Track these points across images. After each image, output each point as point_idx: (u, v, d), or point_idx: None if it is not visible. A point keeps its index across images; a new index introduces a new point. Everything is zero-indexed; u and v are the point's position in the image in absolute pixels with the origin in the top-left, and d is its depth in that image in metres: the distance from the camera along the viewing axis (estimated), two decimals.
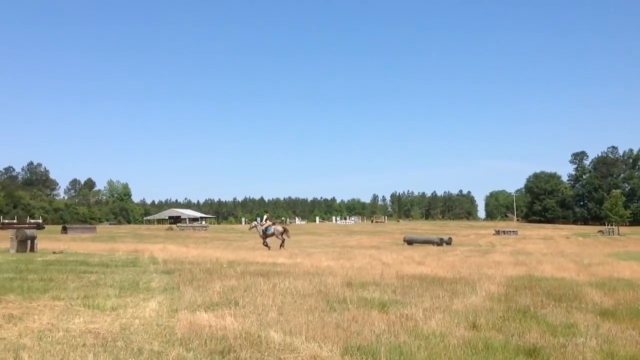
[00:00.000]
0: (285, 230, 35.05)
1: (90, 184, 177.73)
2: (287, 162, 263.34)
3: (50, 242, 37.11)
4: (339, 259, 21.81)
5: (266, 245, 33.30)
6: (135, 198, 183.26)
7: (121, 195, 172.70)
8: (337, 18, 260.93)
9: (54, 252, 22.67)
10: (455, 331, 6.91)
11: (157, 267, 14.94)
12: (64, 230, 64.71)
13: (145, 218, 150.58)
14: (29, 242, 23.29)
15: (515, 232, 73.96)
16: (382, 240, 55.32)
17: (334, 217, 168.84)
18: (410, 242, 46.82)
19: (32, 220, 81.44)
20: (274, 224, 36.59)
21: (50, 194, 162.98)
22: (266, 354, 5.66)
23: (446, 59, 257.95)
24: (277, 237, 34.39)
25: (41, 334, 6.12)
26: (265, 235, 34.34)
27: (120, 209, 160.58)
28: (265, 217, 38.20)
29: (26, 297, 8.38)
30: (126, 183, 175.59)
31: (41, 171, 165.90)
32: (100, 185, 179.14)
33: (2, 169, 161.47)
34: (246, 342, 6.00)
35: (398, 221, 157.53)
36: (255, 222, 37.89)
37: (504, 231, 74.29)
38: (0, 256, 17.87)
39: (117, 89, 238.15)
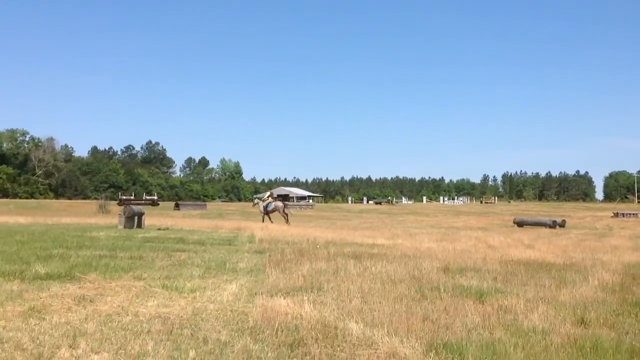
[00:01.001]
0: (285, 206, 36.71)
1: (204, 162, 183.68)
2: (395, 141, 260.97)
3: (160, 218, 38.40)
4: (441, 241, 20.93)
5: (269, 220, 34.63)
6: (246, 176, 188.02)
7: (233, 173, 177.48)
8: None
9: (158, 229, 23.15)
10: (560, 327, 6.05)
11: (251, 247, 14.74)
12: (177, 206, 67.06)
13: (255, 196, 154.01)
14: (136, 218, 23.89)
15: (635, 215, 69.19)
16: (490, 222, 53.29)
17: (441, 197, 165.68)
18: (520, 223, 44.66)
19: (147, 197, 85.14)
20: (274, 200, 37.71)
21: (167, 172, 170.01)
22: (339, 349, 5.09)
23: (561, 24, 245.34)
24: (280, 213, 35.91)
25: (108, 318, 5.85)
26: (266, 211, 35.66)
27: (231, 186, 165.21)
28: (267, 194, 40.02)
29: (107, 277, 8.25)
30: (237, 162, 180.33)
31: (159, 150, 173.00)
32: (214, 163, 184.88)
33: (122, 147, 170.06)
34: (320, 335, 5.45)
35: (509, 202, 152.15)
36: (257, 199, 39.31)
37: (623, 213, 69.66)
38: (104, 232, 18.26)
39: (229, 70, 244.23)
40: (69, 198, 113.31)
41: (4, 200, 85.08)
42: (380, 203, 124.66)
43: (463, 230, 35.45)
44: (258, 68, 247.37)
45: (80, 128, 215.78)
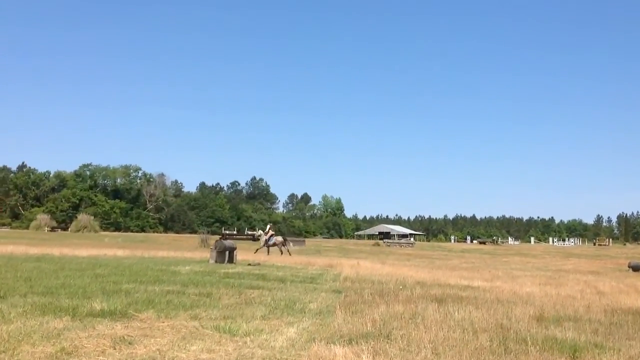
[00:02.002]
0: (284, 241, 39.37)
1: (306, 198, 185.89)
2: (502, 180, 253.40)
3: (256, 253, 38.50)
4: (545, 285, 19.35)
5: (267, 252, 36.80)
6: (348, 213, 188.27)
7: (334, 210, 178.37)
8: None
9: (249, 264, 22.91)
10: None
11: (332, 285, 14.01)
12: None
13: (356, 233, 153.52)
14: (227, 253, 23.75)
15: None
16: (602, 265, 49.78)
17: (550, 238, 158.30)
18: (635, 268, 41.22)
19: (249, 232, 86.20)
20: (275, 235, 40.10)
21: (270, 207, 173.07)
22: None
23: None
24: (278, 246, 38.22)
25: None
26: (267, 244, 37.97)
27: (333, 223, 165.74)
28: (268, 227, 42.02)
29: (162, 315, 7.76)
30: (339, 198, 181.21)
31: (263, 186, 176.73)
32: (316, 200, 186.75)
33: (228, 183, 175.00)
34: None
35: (624, 245, 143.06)
36: (261, 232, 42.00)
37: None
38: (190, 267, 18.08)
39: (332, 107, 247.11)
40: (177, 232, 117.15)
41: (115, 233, 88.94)
42: (484, 243, 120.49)
43: (572, 273, 33.07)
44: (360, 105, 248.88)
45: (190, 165, 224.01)
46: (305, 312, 8.93)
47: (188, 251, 35.42)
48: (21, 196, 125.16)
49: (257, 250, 38.91)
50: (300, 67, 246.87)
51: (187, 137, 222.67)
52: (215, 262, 22.94)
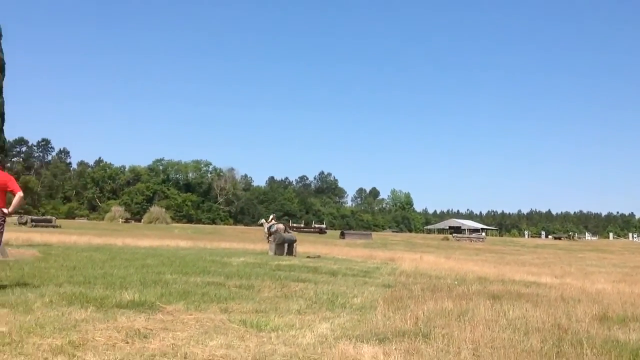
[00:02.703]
0: (286, 229, 38.31)
1: (374, 192, 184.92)
2: (579, 174, 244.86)
3: (321, 246, 38.27)
4: (620, 282, 18.27)
5: (268, 240, 35.71)
6: (417, 207, 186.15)
7: (403, 204, 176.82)
8: None
9: (307, 257, 22.64)
10: None
11: (385, 279, 13.45)
12: (342, 235, 67.04)
13: (425, 227, 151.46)
14: (286, 245, 23.55)
15: None
16: None
17: (630, 234, 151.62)
18: None
19: (316, 225, 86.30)
20: (277, 223, 38.94)
21: (339, 202, 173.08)
22: None
23: None
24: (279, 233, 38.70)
25: None
26: (269, 233, 36.91)
27: (402, 217, 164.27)
28: (271, 217, 41.29)
29: (191, 307, 7.42)
30: (408, 192, 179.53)
31: (331, 180, 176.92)
32: (384, 194, 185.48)
33: (297, 178, 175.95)
34: None
35: None
36: (263, 221, 41.45)
37: None
38: (245, 258, 17.88)
39: (400, 101, 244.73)
40: (247, 225, 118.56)
41: (186, 225, 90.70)
42: (559, 238, 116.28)
43: None
44: (431, 100, 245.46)
45: (259, 160, 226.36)
46: (345, 307, 8.43)
47: (252, 243, 35.54)
48: (98, 189, 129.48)
49: (267, 238, 40.28)
50: (370, 65, 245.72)
51: (257, 132, 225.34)
52: (275, 254, 22.80)
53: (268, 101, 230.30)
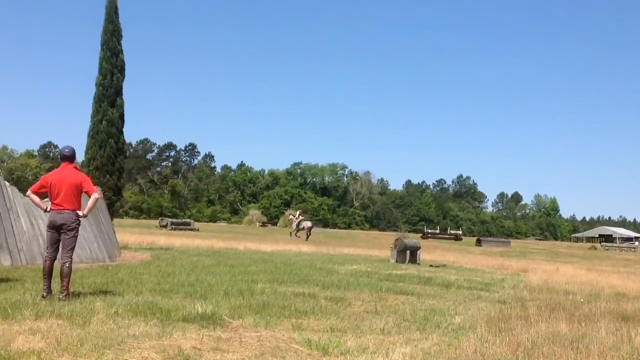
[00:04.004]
0: (311, 226, 44.28)
1: (516, 197, 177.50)
2: None
3: (454, 253, 36.79)
4: None
5: (296, 236, 42.20)
6: (564, 213, 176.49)
7: (548, 210, 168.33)
8: None
9: (431, 265, 21.59)
10: None
11: (504, 294, 12.18)
12: (478, 242, 64.50)
13: (572, 235, 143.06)
14: (408, 252, 22.60)
15: None
16: None
17: None
18: None
19: (451, 232, 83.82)
20: (304, 219, 45.39)
21: (478, 206, 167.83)
22: None
23: None
24: (306, 231, 42.85)
25: None
26: (297, 229, 42.97)
27: (546, 224, 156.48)
28: (298, 213, 47.45)
29: (260, 323, 6.75)
30: (554, 197, 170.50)
31: (470, 184, 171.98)
32: (527, 199, 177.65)
33: (434, 182, 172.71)
34: None
35: None
36: (292, 217, 46.89)
37: None
38: (358, 266, 17.13)
39: (541, 105, 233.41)
40: (382, 230, 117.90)
41: (320, 229, 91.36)
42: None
43: None
44: (577, 101, 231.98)
45: (396, 163, 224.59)
46: (439, 327, 7.43)
47: (380, 249, 34.70)
48: (239, 193, 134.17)
49: (290, 233, 43.87)
50: (521, 64, 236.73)
51: (394, 135, 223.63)
52: (396, 261, 21.98)
53: (405, 102, 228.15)
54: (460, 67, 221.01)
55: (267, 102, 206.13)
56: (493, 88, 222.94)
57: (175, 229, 50.20)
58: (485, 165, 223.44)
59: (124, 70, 20.38)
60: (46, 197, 8.03)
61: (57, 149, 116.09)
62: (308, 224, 44.59)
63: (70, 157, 7.98)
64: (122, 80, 20.25)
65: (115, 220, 23.07)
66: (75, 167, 8.02)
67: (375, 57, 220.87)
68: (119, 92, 20.09)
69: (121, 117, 20.01)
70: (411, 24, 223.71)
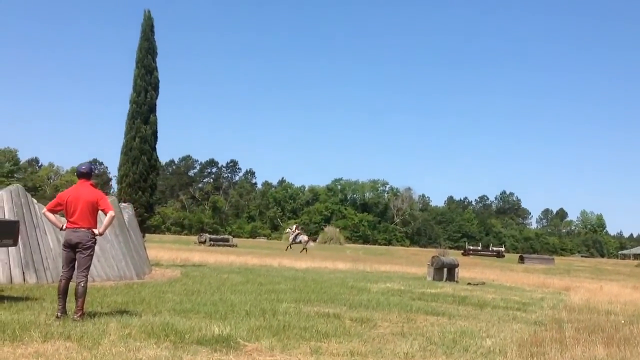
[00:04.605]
0: (308, 240, 44.87)
1: (561, 214, 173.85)
2: None
3: (494, 270, 35.84)
4: None
5: (290, 248, 43.05)
6: (611, 230, 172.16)
7: (594, 226, 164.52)
8: None
9: (469, 283, 21.03)
10: None
11: (542, 314, 11.65)
12: (521, 259, 62.92)
13: (620, 252, 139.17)
14: (445, 270, 22.08)
15: None
16: None
17: None
18: None
19: (494, 249, 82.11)
20: (301, 233, 45.76)
21: (522, 223, 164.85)
22: None
23: None
24: (303, 244, 43.41)
25: None
26: (294, 242, 43.66)
27: (592, 241, 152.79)
28: (295, 226, 49.03)
29: (277, 346, 6.46)
30: (600, 214, 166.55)
31: (513, 200, 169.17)
32: (573, 215, 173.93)
33: (477, 198, 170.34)
34: None
35: None
36: (289, 230, 48.07)
37: None
38: (392, 284, 16.70)
39: (589, 118, 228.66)
40: (423, 246, 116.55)
41: (359, 245, 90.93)
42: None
43: None
44: (623, 114, 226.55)
45: (437, 179, 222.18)
46: (468, 351, 7.03)
47: (419, 266, 34.08)
48: (279, 209, 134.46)
49: (287, 248, 44.30)
50: (564, 75, 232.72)
51: (435, 151, 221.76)
52: (433, 279, 21.50)
53: (446, 117, 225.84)
54: (506, 75, 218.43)
55: (307, 120, 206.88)
56: (535, 104, 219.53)
57: (213, 245, 50.26)
58: (529, 181, 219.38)
59: (157, 87, 20.47)
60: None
61: (103, 166, 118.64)
62: (305, 237, 45.84)
63: (87, 174, 7.87)
64: (156, 98, 20.33)
65: (157, 236, 23.19)
66: (92, 185, 7.90)
67: (418, 66, 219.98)
68: (152, 109, 20.16)
69: (154, 134, 20.06)
70: (460, 32, 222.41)
